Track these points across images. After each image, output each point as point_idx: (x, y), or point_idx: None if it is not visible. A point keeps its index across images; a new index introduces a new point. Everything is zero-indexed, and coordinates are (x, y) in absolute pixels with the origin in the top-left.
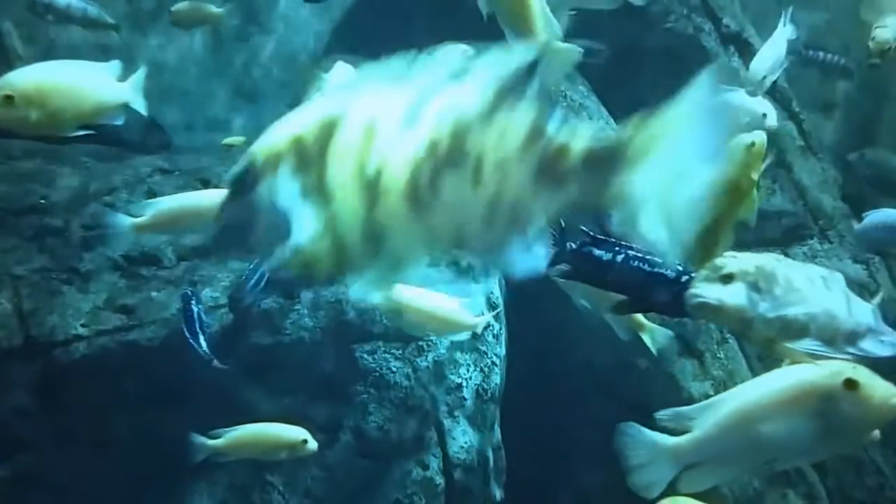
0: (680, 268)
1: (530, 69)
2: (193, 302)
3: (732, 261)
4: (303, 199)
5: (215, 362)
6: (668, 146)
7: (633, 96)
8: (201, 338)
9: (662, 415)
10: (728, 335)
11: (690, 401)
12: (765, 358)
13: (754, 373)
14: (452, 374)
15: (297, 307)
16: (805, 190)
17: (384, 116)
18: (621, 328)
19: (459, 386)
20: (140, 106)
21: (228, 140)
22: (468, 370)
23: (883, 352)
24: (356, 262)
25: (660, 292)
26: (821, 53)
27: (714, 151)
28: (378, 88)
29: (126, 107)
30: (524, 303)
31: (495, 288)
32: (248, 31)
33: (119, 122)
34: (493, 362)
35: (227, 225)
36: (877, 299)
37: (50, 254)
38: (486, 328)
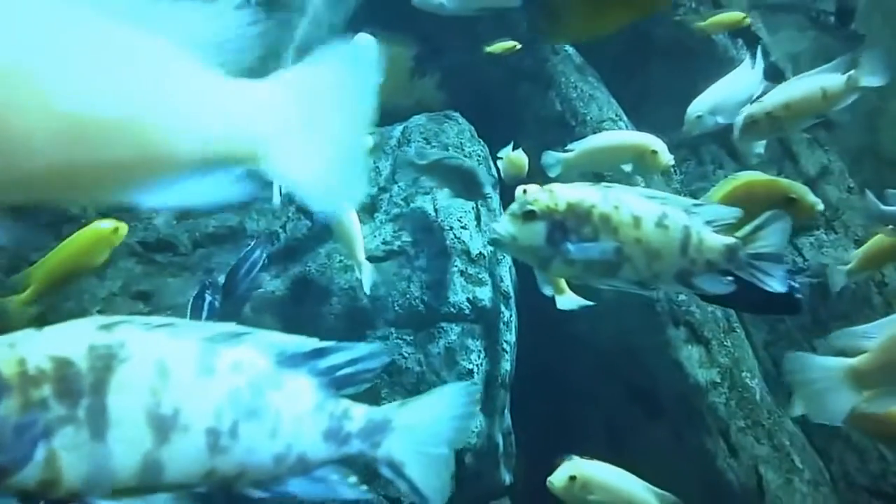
0: None
1: (321, 352)
2: (209, 292)
3: (542, 196)
4: (64, 424)
5: None
6: (425, 425)
7: (643, 88)
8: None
9: (836, 335)
10: (735, 323)
11: (696, 387)
12: (770, 346)
13: (760, 361)
14: (463, 360)
15: (310, 293)
16: (811, 181)
17: (175, 358)
18: (545, 284)
19: (470, 372)
20: None
21: None
22: (479, 356)
23: (715, 289)
24: (118, 487)
25: (740, 291)
26: None
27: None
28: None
29: None
30: (534, 290)
31: (506, 276)
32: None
33: None
34: (503, 349)
35: None
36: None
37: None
38: (497, 315)
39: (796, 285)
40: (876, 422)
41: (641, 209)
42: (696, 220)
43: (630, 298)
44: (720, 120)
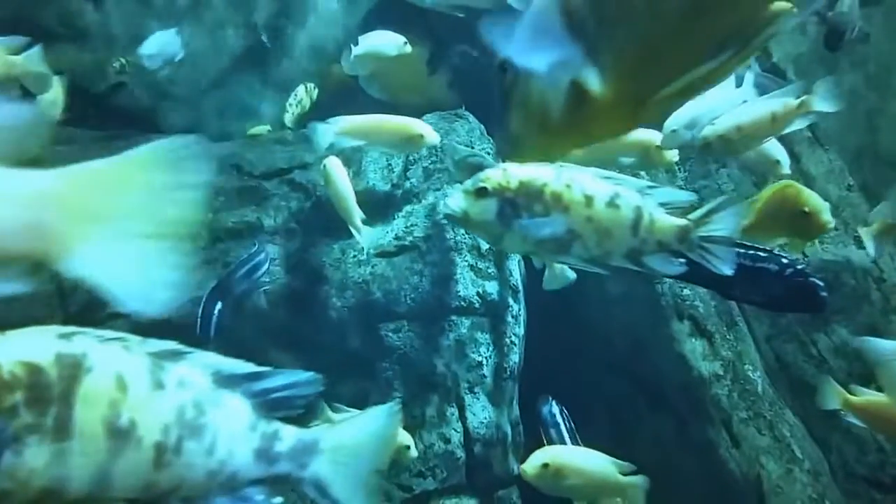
0: (785, 260)
1: (256, 376)
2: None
3: (494, 174)
4: (32, 433)
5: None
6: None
7: None
8: (213, 320)
9: None
10: (737, 317)
11: (699, 380)
12: (772, 339)
13: (761, 354)
14: (473, 352)
15: (325, 288)
16: (812, 180)
17: (131, 371)
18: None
19: (480, 364)
20: (32, 84)
21: (254, 130)
22: (488, 349)
23: (665, 270)
24: (68, 498)
25: (765, 287)
26: None
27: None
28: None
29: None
30: (542, 285)
31: (515, 271)
32: (280, 24)
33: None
34: (511, 341)
35: None
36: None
37: None
38: (506, 308)
39: (821, 283)
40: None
41: (593, 188)
42: (650, 202)
43: (635, 293)
44: (697, 135)
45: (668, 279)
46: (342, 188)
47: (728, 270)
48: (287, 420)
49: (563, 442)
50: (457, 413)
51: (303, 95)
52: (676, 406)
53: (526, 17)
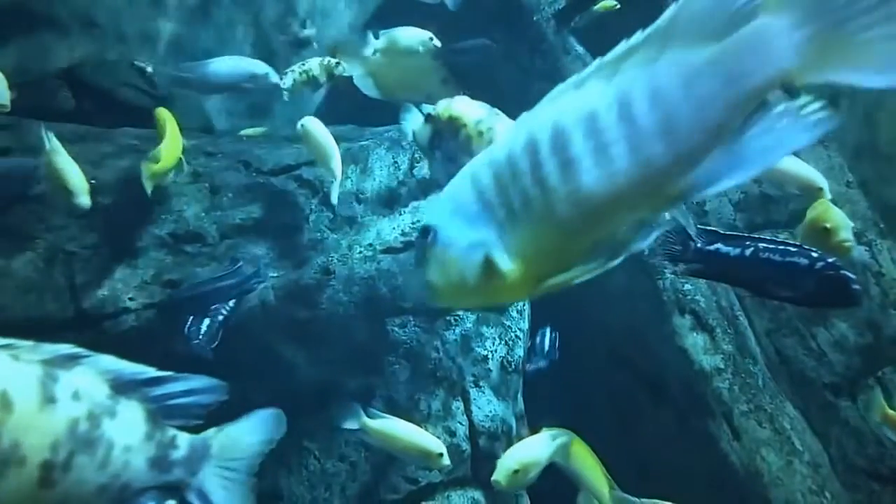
0: (815, 253)
1: (156, 381)
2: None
3: (441, 104)
4: None
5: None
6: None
7: None
8: (206, 321)
9: None
10: (738, 312)
11: (701, 373)
12: (772, 334)
13: (762, 348)
14: (479, 346)
15: (332, 283)
16: None
17: (18, 387)
18: None
19: (485, 358)
20: None
21: (246, 131)
22: (493, 343)
23: None
24: None
25: (796, 283)
26: None
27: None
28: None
29: None
30: None
31: None
32: (287, 21)
33: None
34: (516, 336)
35: None
36: None
37: (100, 231)
38: (510, 303)
39: (853, 276)
40: None
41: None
42: None
43: (637, 288)
44: None
45: (669, 274)
46: (325, 143)
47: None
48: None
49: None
50: (462, 406)
51: (314, 66)
52: (678, 399)
53: (447, 194)
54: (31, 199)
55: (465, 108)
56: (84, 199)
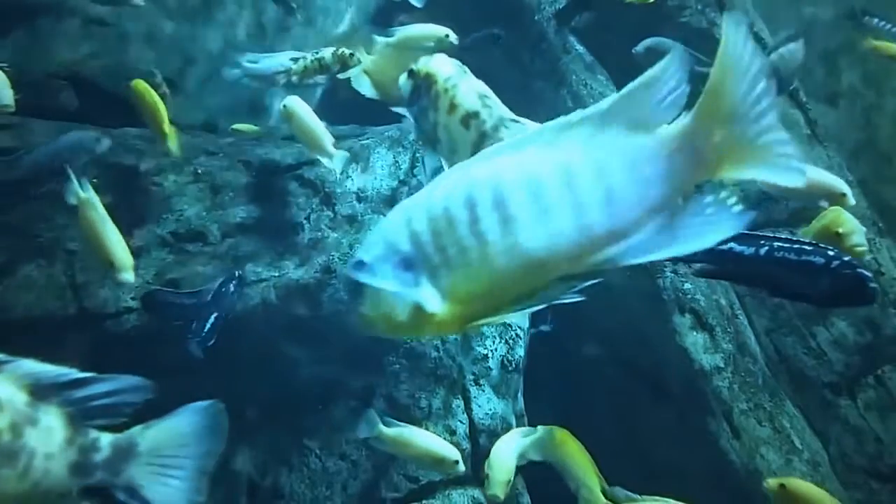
0: (831, 252)
1: (78, 383)
2: (233, 284)
3: (423, 60)
4: None
5: (195, 346)
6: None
7: None
8: (210, 321)
9: None
10: (738, 311)
11: (701, 372)
12: (772, 333)
13: (762, 347)
14: (479, 345)
15: (333, 282)
16: None
17: None
18: None
19: (485, 357)
20: None
21: (240, 126)
22: (494, 342)
23: None
24: None
25: (811, 283)
26: (877, 20)
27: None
28: None
29: None
30: None
31: None
32: (290, 22)
33: None
34: (517, 335)
35: None
36: None
37: None
38: None
39: (869, 274)
40: None
41: (461, 101)
42: (503, 134)
43: (637, 287)
44: None
45: (669, 273)
46: (309, 120)
47: None
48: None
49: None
50: (462, 405)
51: (327, 55)
52: (678, 398)
53: (382, 233)
54: (32, 198)
55: (439, 66)
56: (129, 276)
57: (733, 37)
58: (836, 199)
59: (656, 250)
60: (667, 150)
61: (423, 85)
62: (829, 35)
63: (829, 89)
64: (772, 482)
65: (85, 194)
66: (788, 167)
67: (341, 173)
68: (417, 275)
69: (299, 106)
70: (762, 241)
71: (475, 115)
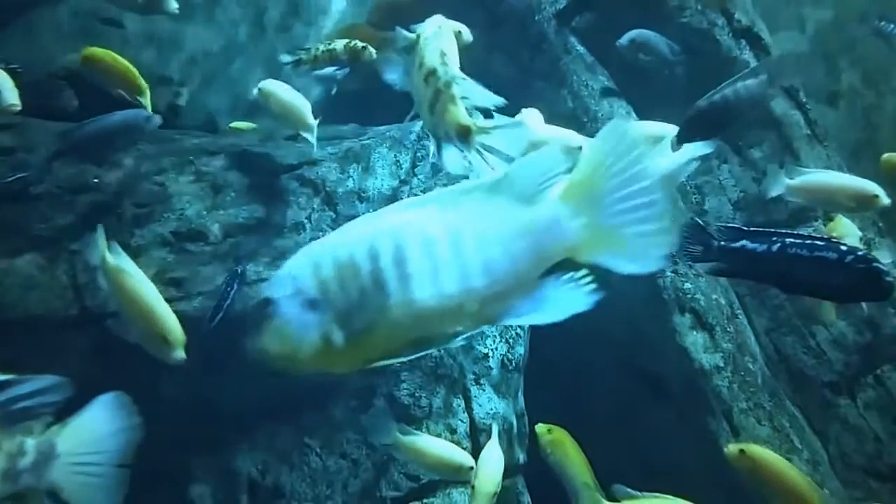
0: (844, 247)
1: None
2: (236, 282)
3: (423, 25)
4: None
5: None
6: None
7: (651, 87)
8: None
9: None
10: (738, 311)
11: (701, 371)
12: (772, 332)
13: (762, 346)
14: (479, 344)
15: None
16: None
17: None
18: None
19: (486, 356)
20: None
21: (237, 124)
22: (494, 341)
23: (451, 167)
24: None
25: (825, 278)
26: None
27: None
28: None
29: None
30: None
31: None
32: (290, 23)
33: None
34: (517, 334)
35: None
36: None
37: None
38: None
39: (884, 268)
40: None
41: (427, 59)
42: (454, 91)
43: (637, 287)
44: None
45: (669, 273)
46: (289, 97)
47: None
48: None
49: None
50: (463, 404)
51: (339, 45)
52: (678, 397)
53: (289, 274)
54: (33, 197)
55: (426, 25)
56: (180, 354)
57: (609, 136)
58: (870, 201)
59: (525, 315)
60: (537, 227)
61: (414, 46)
62: (829, 35)
63: (829, 89)
64: (732, 448)
65: (115, 260)
66: (646, 259)
67: (342, 173)
68: (322, 316)
69: (275, 86)
70: (774, 238)
71: (433, 72)
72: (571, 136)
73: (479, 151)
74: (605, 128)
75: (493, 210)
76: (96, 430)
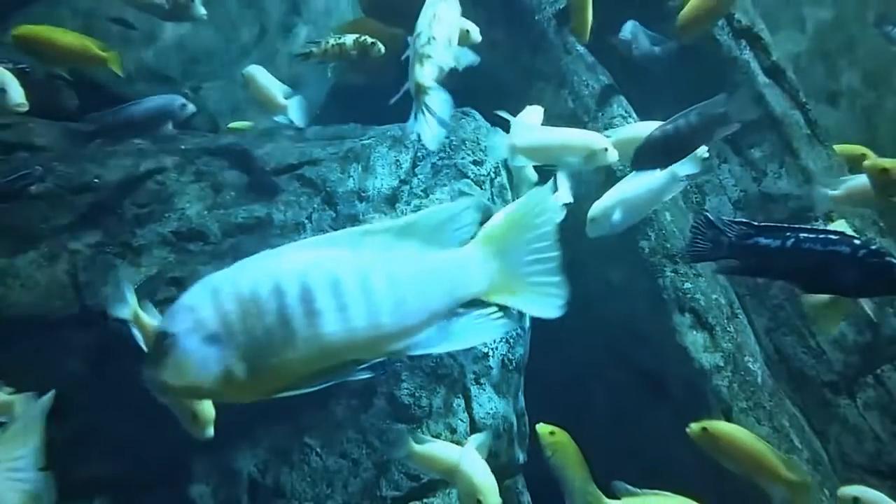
0: (857, 241)
1: None
2: None
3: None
4: None
5: None
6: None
7: (651, 86)
8: None
9: None
10: (738, 310)
11: (700, 371)
12: (772, 332)
13: (762, 346)
14: (480, 344)
15: None
16: (811, 175)
17: None
18: None
19: (486, 356)
20: None
21: (235, 124)
22: (494, 341)
23: (426, 140)
24: None
25: (839, 273)
26: None
27: None
28: None
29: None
30: None
31: None
32: (291, 22)
33: None
34: (517, 334)
35: None
36: None
37: (104, 229)
38: None
39: None
40: None
41: (420, 24)
42: (428, 50)
43: (637, 286)
44: (617, 219)
45: (669, 272)
46: (265, 83)
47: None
48: None
49: None
50: (463, 404)
51: (348, 40)
52: (677, 397)
53: (188, 306)
54: (33, 197)
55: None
56: (209, 432)
57: (530, 200)
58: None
59: (434, 346)
60: (447, 270)
61: None
62: (829, 35)
63: (829, 89)
64: (694, 426)
65: (150, 320)
66: (547, 305)
67: (343, 172)
68: (223, 351)
69: (258, 72)
70: (787, 233)
71: (419, 35)
72: (596, 139)
73: (423, 111)
74: (530, 193)
75: (403, 253)
76: (22, 432)
